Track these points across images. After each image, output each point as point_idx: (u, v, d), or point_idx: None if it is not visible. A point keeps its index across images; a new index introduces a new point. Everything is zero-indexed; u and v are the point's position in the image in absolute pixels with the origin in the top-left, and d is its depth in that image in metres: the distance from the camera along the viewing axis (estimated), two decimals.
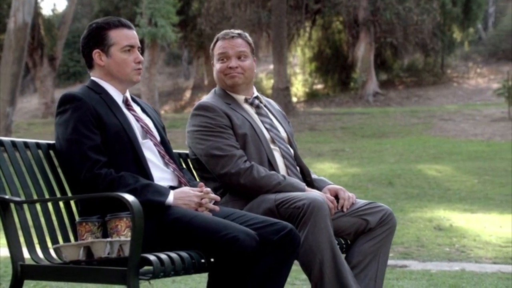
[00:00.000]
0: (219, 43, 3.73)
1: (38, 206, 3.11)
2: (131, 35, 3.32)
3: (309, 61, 34.38)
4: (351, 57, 31.02)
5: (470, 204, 11.36)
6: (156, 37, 25.43)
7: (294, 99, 30.42)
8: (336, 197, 3.69)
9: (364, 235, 3.61)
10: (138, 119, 3.31)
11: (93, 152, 3.07)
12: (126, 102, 3.35)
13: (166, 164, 3.31)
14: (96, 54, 3.29)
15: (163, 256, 2.75)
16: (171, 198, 3.08)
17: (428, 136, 20.90)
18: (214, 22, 29.37)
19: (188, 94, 37.40)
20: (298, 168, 3.77)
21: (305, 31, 32.92)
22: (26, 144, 3.18)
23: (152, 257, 2.70)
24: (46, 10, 43.09)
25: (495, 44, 36.70)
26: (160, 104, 29.52)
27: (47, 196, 3.12)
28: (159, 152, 3.30)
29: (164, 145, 3.37)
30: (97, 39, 3.29)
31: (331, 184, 3.80)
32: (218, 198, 3.20)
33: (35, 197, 3.05)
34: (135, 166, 3.14)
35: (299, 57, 34.89)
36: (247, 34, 3.78)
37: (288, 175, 3.65)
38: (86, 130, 3.10)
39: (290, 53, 33.06)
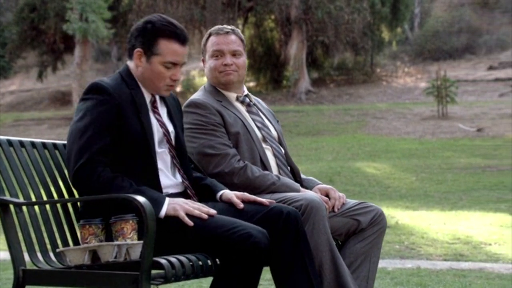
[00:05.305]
0: (212, 39, 3.64)
1: (36, 208, 2.97)
2: (179, 52, 3.10)
3: None
4: (284, 55, 31.12)
5: (411, 201, 11.53)
6: (87, 33, 24.96)
7: None
8: (327, 196, 3.64)
9: (355, 235, 3.57)
10: (161, 125, 3.17)
11: (99, 150, 2.94)
12: (153, 103, 3.19)
13: (175, 174, 3.18)
14: (137, 53, 3.11)
15: (173, 259, 2.66)
16: (164, 210, 2.90)
17: (363, 134, 21.18)
18: None
19: None
20: (289, 167, 3.72)
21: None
22: (22, 143, 3.04)
23: (163, 261, 2.61)
24: None
25: (421, 44, 37.44)
26: None
27: (44, 198, 2.98)
28: (172, 161, 3.17)
29: (180, 151, 3.23)
30: (146, 40, 3.08)
31: (320, 183, 3.75)
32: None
33: (33, 198, 2.90)
34: (146, 172, 3.01)
35: None
36: (239, 30, 3.71)
37: (280, 174, 3.59)
38: (100, 127, 2.95)
39: None
